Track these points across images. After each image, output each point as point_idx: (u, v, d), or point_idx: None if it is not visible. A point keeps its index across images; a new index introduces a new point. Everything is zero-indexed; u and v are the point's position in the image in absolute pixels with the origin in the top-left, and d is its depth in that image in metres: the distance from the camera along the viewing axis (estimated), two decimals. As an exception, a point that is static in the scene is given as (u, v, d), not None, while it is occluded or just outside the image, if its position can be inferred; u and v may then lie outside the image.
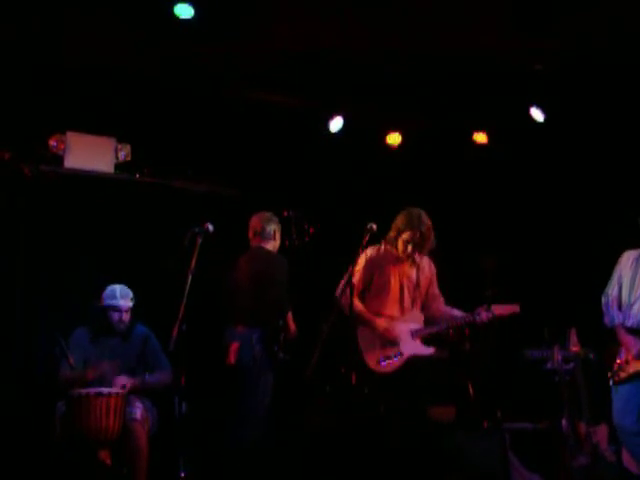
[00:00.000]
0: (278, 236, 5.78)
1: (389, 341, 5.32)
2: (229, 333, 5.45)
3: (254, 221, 5.76)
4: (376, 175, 7.35)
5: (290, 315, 5.50)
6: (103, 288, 5.54)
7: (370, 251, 5.45)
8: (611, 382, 5.08)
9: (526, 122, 6.90)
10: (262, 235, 5.69)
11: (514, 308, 5.52)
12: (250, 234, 5.75)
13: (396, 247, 5.47)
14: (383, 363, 5.23)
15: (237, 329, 5.42)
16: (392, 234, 5.47)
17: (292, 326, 5.51)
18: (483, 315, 5.44)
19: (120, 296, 5.46)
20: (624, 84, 6.28)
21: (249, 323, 5.40)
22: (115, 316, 5.45)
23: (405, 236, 5.43)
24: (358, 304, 5.26)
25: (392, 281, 5.47)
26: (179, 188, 6.89)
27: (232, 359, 5.39)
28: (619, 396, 5.07)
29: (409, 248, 5.44)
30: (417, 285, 5.54)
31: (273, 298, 5.40)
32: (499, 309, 5.48)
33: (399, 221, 5.46)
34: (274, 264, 5.56)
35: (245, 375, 5.33)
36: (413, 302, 5.53)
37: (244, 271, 5.56)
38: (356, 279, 5.19)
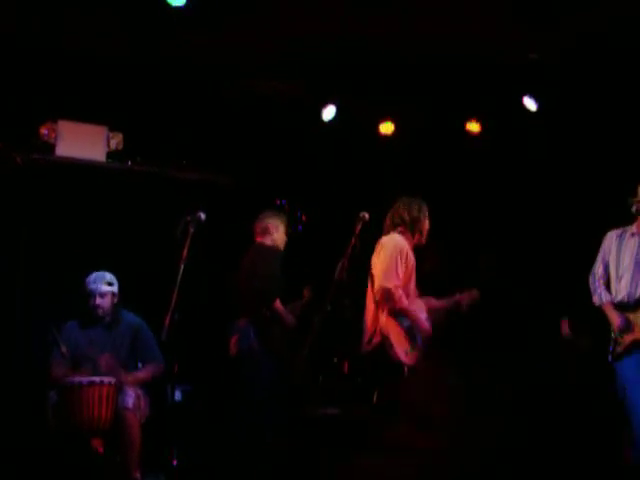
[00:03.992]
0: (279, 232, 5.79)
1: (414, 333, 5.25)
2: (232, 326, 5.51)
3: (258, 218, 5.83)
4: (369, 164, 7.35)
5: (279, 305, 5.47)
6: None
7: (403, 240, 5.24)
8: (610, 359, 5.09)
9: (519, 111, 6.90)
10: (262, 231, 5.77)
11: (473, 295, 5.51)
12: (254, 231, 5.82)
13: (422, 234, 5.32)
14: (410, 355, 5.16)
15: (238, 322, 5.49)
16: (416, 220, 5.29)
17: (286, 317, 5.50)
18: (463, 302, 5.45)
19: (94, 280, 5.43)
20: (618, 72, 6.28)
21: (246, 315, 5.45)
22: (91, 301, 5.41)
23: (427, 225, 5.35)
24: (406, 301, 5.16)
25: (413, 272, 5.39)
26: (171, 176, 6.87)
27: (233, 351, 5.44)
28: (619, 372, 5.08)
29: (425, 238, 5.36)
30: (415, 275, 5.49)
31: (256, 288, 5.42)
32: (465, 297, 5.49)
33: (416, 206, 5.31)
34: (261, 255, 5.59)
35: (245, 366, 5.38)
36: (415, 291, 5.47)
37: (243, 268, 5.63)
38: (403, 270, 5.13)
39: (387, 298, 5.05)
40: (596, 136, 6.74)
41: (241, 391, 5.39)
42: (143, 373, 5.46)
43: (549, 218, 7.05)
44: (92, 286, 5.42)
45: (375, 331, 5.14)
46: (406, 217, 5.32)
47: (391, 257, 5.14)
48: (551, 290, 6.73)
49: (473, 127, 7.33)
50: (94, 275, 5.47)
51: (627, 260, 5.17)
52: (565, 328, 5.78)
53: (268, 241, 5.74)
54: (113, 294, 5.47)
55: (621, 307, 5.14)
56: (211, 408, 5.94)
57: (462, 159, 7.41)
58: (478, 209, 7.34)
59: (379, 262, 5.18)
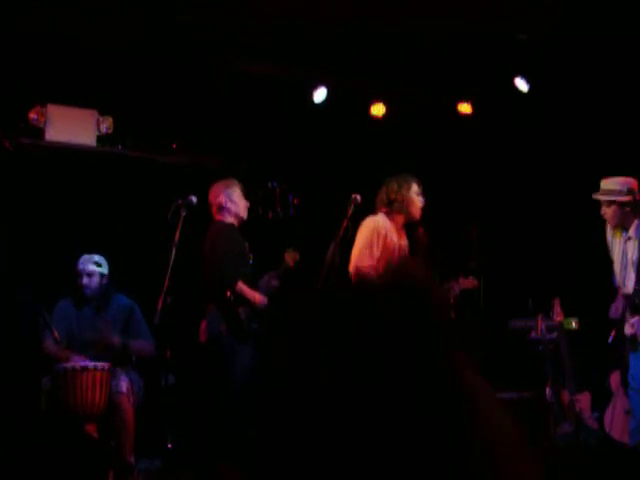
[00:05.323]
0: (232, 202, 5.48)
1: None
2: (203, 311, 5.43)
3: (209, 195, 5.55)
4: (360, 146, 7.33)
5: (242, 286, 5.31)
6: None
7: (382, 221, 5.26)
8: (609, 340, 5.12)
9: (510, 92, 6.89)
10: (217, 209, 5.51)
11: (474, 282, 5.57)
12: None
13: (407, 210, 5.30)
14: None
15: (208, 307, 5.39)
16: (399, 198, 5.26)
17: (253, 296, 5.42)
18: (456, 288, 5.49)
19: (83, 260, 5.49)
20: (608, 53, 6.27)
21: (212, 300, 5.35)
22: (80, 280, 5.46)
23: (415, 188, 5.31)
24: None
25: (397, 252, 5.37)
26: (162, 160, 6.84)
27: (202, 337, 5.37)
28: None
29: (422, 200, 5.34)
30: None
31: (215, 273, 5.30)
32: (464, 282, 5.52)
33: (393, 187, 5.29)
34: (217, 237, 5.39)
35: (215, 352, 5.28)
36: None
37: (203, 250, 5.47)
38: (379, 250, 5.13)
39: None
40: (587, 115, 6.73)
41: (216, 377, 5.33)
42: (135, 345, 5.45)
43: (541, 198, 7.06)
44: (80, 266, 5.48)
45: None
46: (385, 198, 5.30)
47: (366, 237, 5.15)
48: (542, 269, 6.75)
49: (465, 108, 7.32)
50: (84, 256, 5.54)
51: (615, 256, 5.15)
52: (557, 307, 5.79)
53: (227, 218, 5.46)
54: (101, 275, 5.49)
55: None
56: (194, 394, 5.91)
57: (454, 141, 7.40)
58: (470, 190, 7.34)
59: (356, 242, 5.19)
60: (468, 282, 5.59)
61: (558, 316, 5.77)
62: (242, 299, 5.29)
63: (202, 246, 5.45)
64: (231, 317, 5.26)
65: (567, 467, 5.06)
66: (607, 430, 5.36)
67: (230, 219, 5.49)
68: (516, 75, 6.85)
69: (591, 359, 5.73)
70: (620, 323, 5.09)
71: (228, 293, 5.21)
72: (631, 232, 5.00)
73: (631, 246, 4.98)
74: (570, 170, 6.83)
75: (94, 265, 5.48)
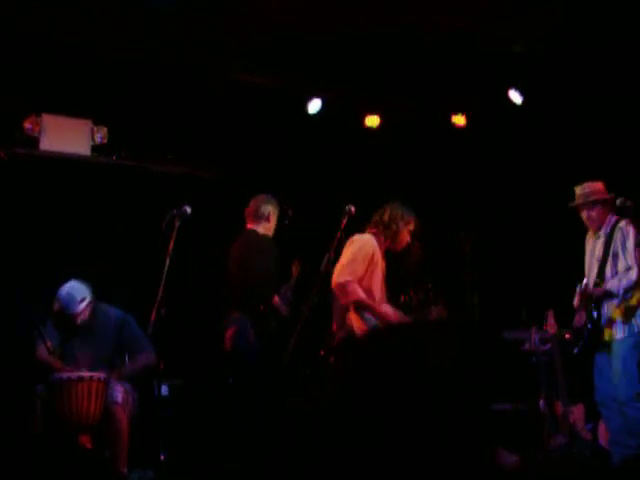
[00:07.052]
0: (273, 218, 5.64)
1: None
2: (226, 319, 5.42)
3: (251, 202, 5.65)
4: (354, 157, 7.34)
5: (277, 299, 5.41)
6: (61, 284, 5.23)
7: (372, 241, 5.24)
8: (576, 350, 5.14)
9: (504, 104, 6.92)
10: (254, 216, 5.58)
11: (443, 312, 5.58)
12: (245, 216, 5.67)
13: (395, 240, 5.30)
14: None
15: (233, 315, 5.38)
16: (393, 227, 5.26)
17: (284, 308, 5.46)
18: (434, 314, 5.49)
19: (66, 303, 5.16)
20: (602, 65, 6.30)
21: (241, 309, 5.36)
22: (74, 321, 5.22)
23: (411, 226, 5.33)
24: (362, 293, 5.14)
25: (380, 274, 5.38)
26: (157, 170, 6.84)
27: (228, 345, 5.36)
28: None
29: (408, 239, 5.35)
30: (386, 278, 5.46)
31: (254, 286, 5.34)
32: (436, 310, 5.53)
33: (397, 213, 5.28)
34: (256, 247, 5.46)
35: (242, 361, 5.30)
36: (384, 295, 5.44)
37: (233, 256, 5.50)
38: (362, 268, 5.13)
39: (341, 292, 5.05)
40: (581, 128, 6.76)
41: (238, 386, 5.33)
42: (131, 366, 5.40)
43: (534, 209, 7.07)
44: (68, 312, 5.15)
45: (341, 326, 5.13)
46: (385, 219, 5.29)
47: (353, 254, 5.13)
48: (536, 280, 6.77)
49: (459, 120, 7.34)
50: (64, 298, 5.17)
51: (586, 258, 5.18)
52: (550, 319, 5.81)
53: (261, 229, 5.56)
54: (89, 303, 5.25)
55: None
56: (203, 403, 5.90)
57: (448, 152, 7.42)
58: (464, 202, 7.35)
59: (341, 258, 5.18)
60: (439, 310, 5.57)
61: (551, 328, 5.78)
62: (274, 312, 5.36)
63: (232, 253, 5.48)
64: (263, 329, 5.29)
65: (561, 479, 5.06)
66: (601, 442, 5.37)
67: (263, 230, 5.57)
68: (510, 87, 6.88)
69: (584, 371, 5.73)
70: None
71: (261, 307, 5.27)
72: (602, 231, 5.08)
73: (599, 244, 5.04)
74: (564, 182, 6.85)
75: (80, 303, 5.19)
